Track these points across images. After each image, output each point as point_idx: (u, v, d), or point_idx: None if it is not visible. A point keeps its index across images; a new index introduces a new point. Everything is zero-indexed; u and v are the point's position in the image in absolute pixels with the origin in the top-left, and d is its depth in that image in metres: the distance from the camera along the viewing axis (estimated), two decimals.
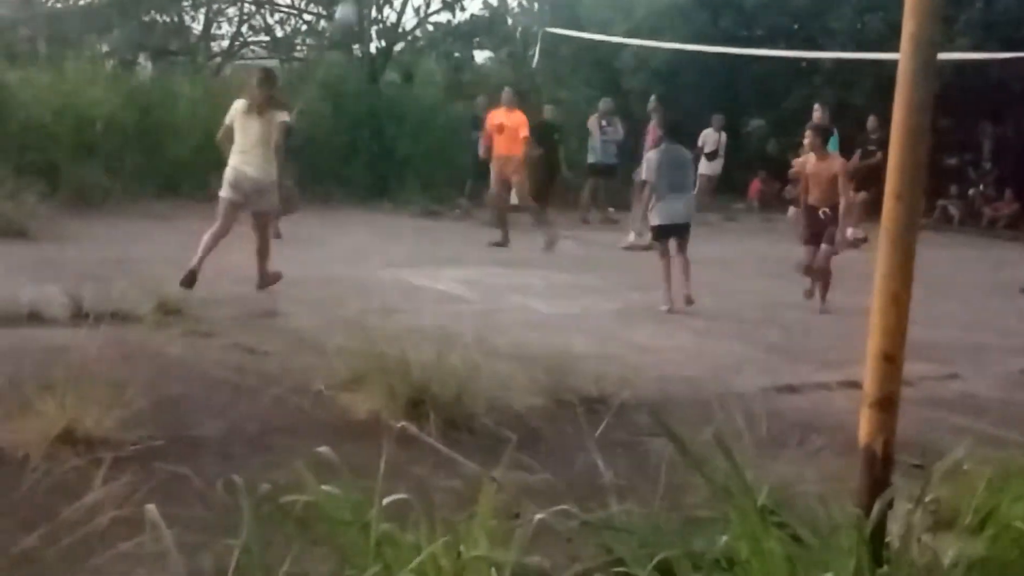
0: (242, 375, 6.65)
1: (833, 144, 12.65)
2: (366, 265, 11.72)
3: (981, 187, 22.05)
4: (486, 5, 22.65)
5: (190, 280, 9.44)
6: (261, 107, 9.87)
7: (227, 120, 10.07)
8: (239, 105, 10.01)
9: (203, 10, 22.23)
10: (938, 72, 3.27)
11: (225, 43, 23.01)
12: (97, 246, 11.69)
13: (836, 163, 10.84)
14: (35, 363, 6.11)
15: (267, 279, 10.03)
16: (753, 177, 22.86)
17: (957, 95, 19.02)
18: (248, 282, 9.92)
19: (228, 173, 9.94)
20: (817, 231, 10.76)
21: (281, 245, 12.45)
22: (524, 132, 15.31)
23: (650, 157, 10.80)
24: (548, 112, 18.60)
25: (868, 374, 3.17)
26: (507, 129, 15.16)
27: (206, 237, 9.78)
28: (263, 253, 10.09)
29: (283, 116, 9.96)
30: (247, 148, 9.86)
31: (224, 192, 9.95)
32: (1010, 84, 21.06)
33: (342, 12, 18.77)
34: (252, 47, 23.36)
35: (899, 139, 3.12)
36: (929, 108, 3.13)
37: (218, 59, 22.64)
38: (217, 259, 10.02)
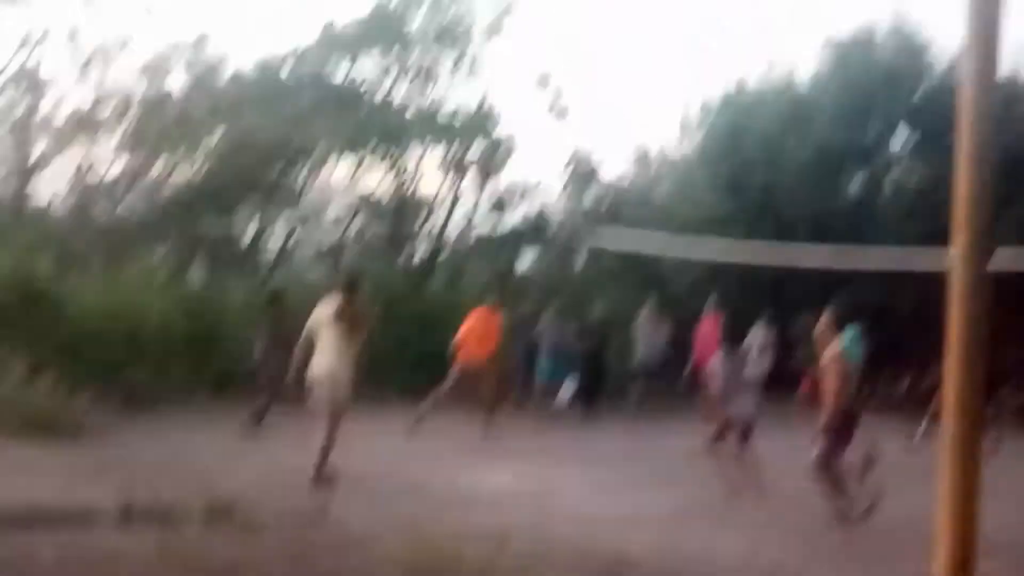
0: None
1: (855, 339, 12.56)
2: (418, 461, 11.69)
3: None
4: (529, 215, 23.15)
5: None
6: (343, 313, 10.37)
7: (310, 323, 10.53)
8: (323, 309, 10.51)
9: (254, 221, 22.83)
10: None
11: (274, 252, 23.53)
12: (147, 447, 11.75)
13: (829, 351, 9.96)
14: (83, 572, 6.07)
15: (322, 476, 10.06)
16: (802, 374, 22.72)
17: (1008, 285, 19.02)
18: (302, 473, 9.93)
19: (311, 371, 10.41)
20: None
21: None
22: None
23: (714, 365, 11.27)
24: (595, 313, 18.81)
25: None
26: (491, 330, 15.64)
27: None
28: (326, 448, 10.19)
29: (363, 334, 10.46)
30: (325, 347, 10.34)
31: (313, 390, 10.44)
32: None
33: None
34: (300, 256, 23.89)
35: (957, 355, 3.16)
36: (985, 324, 3.19)
37: (267, 268, 23.11)
38: (274, 451, 10.05)
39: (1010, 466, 12.84)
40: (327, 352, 10.33)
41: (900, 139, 25.26)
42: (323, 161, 22.29)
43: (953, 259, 3.24)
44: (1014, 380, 21.51)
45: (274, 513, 8.38)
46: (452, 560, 6.17)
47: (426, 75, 22.29)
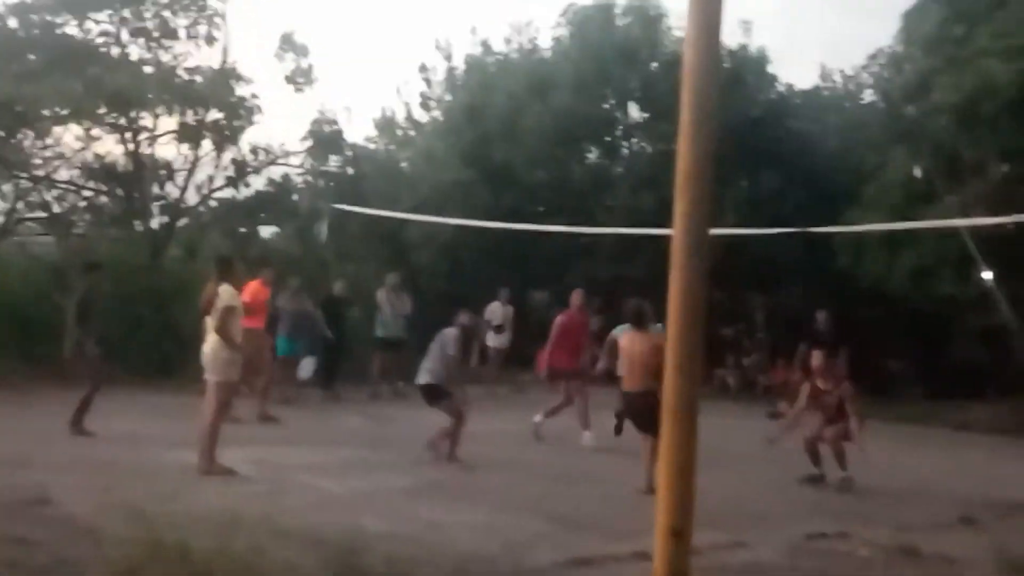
0: (12, 571, 6.24)
1: None
2: (148, 447, 11.30)
3: (755, 356, 22.83)
4: (271, 181, 22.63)
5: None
6: (206, 294, 10.56)
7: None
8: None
9: None
10: (710, 247, 3.38)
11: None
12: None
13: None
14: None
15: (210, 462, 10.19)
16: (540, 349, 23.07)
17: (729, 268, 19.94)
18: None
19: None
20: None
21: (53, 424, 11.99)
22: None
23: None
24: (337, 287, 18.57)
25: (657, 551, 3.16)
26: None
27: None
28: (211, 430, 10.27)
29: (228, 314, 10.41)
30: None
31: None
32: (777, 257, 22.20)
33: None
34: (28, 223, 22.65)
35: (677, 315, 3.19)
36: (704, 285, 3.22)
37: None
38: None
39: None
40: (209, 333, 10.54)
41: (636, 110, 26.00)
42: (53, 122, 21.16)
43: (674, 228, 3.26)
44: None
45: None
46: (177, 548, 5.96)
47: (163, 33, 21.46)
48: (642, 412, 10.20)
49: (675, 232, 3.20)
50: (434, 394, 11.67)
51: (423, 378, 11.76)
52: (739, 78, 23.70)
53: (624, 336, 10.90)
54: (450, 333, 11.91)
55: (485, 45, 27.44)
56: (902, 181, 19.96)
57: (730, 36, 24.43)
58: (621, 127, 26.20)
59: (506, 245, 22.88)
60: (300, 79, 22.07)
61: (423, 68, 28.10)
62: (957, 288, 18.25)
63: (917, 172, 19.55)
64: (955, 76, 17.76)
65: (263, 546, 6.38)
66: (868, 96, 24.68)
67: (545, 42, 26.89)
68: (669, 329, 3.20)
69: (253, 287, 14.77)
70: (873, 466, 11.58)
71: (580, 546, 7.74)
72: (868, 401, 19.44)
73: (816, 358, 11.74)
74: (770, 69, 25.00)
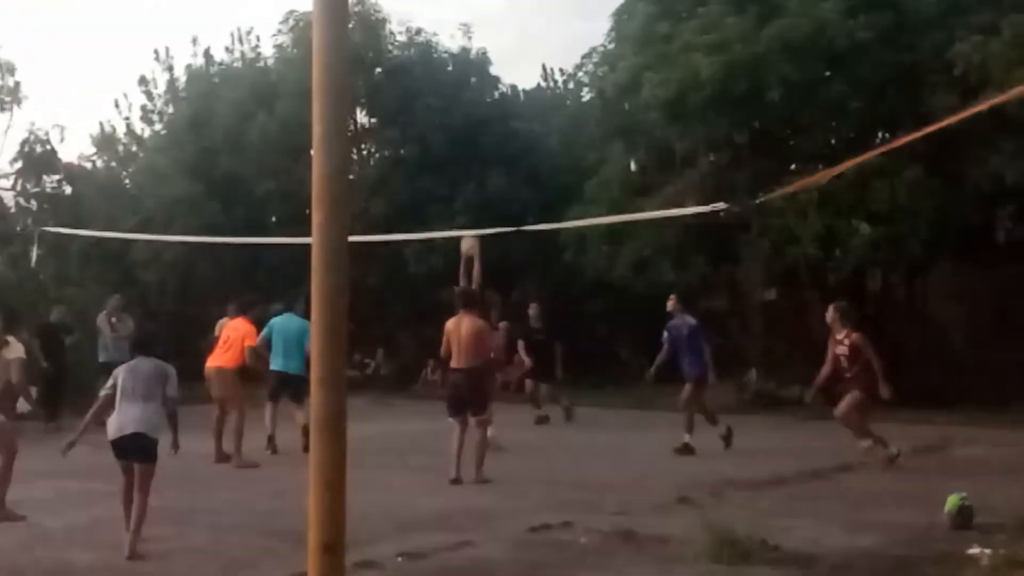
0: None
1: None
2: None
3: None
4: None
5: None
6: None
7: None
8: None
9: None
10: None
11: None
12: None
13: None
14: None
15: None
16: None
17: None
18: None
19: None
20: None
21: None
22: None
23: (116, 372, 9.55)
24: (55, 313, 17.77)
25: (311, 569, 3.13)
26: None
27: None
28: None
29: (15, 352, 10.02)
30: None
31: None
32: (509, 256, 22.53)
33: None
34: None
35: (320, 329, 3.15)
36: (346, 294, 3.20)
37: None
38: None
39: None
40: None
41: (363, 115, 25.97)
42: None
43: (312, 241, 3.21)
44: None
45: None
46: None
47: None
48: None
49: (313, 245, 3.17)
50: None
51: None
52: (463, 81, 24.01)
53: None
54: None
55: (207, 55, 26.95)
56: (620, 176, 20.61)
57: (451, 39, 24.81)
58: (349, 133, 26.11)
59: (237, 258, 22.46)
60: (6, 98, 21.18)
61: (143, 80, 27.33)
62: (676, 275, 18.93)
63: (633, 166, 20.22)
64: (663, 72, 18.36)
65: None
66: (587, 94, 25.37)
67: (268, 50, 26.60)
68: (312, 343, 3.16)
69: None
70: (602, 453, 11.86)
71: (304, 561, 7.63)
72: (602, 390, 20.08)
73: None
74: (493, 71, 25.40)
